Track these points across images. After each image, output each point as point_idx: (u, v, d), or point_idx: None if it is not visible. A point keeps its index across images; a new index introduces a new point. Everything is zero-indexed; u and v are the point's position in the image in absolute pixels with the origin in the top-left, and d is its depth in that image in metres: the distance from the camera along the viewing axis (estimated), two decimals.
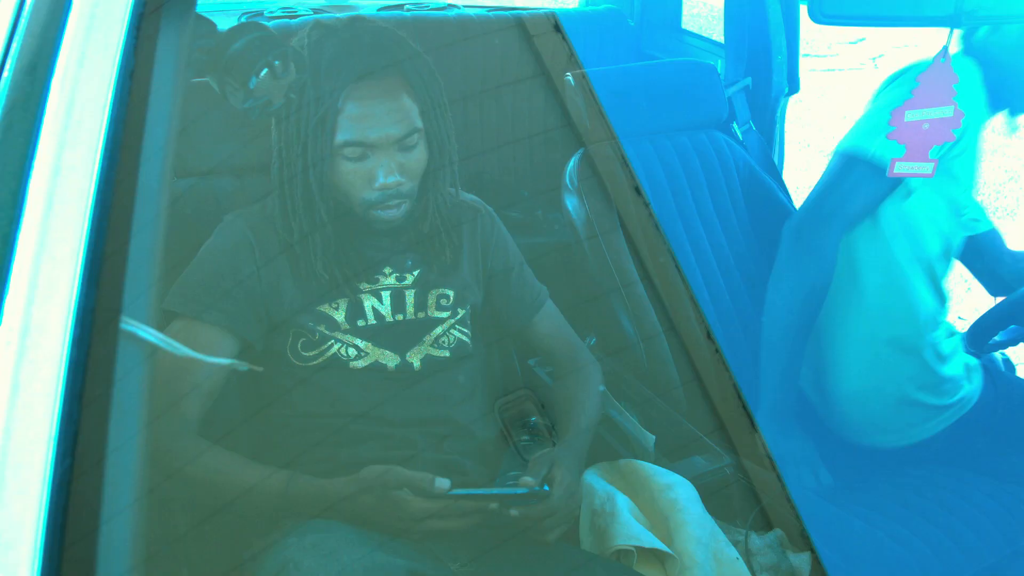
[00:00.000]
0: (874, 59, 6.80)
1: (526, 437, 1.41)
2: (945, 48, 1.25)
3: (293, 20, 2.20)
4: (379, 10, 2.48)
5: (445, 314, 1.39)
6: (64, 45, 0.60)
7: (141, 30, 0.61)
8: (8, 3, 0.63)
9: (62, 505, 0.49)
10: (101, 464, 0.52)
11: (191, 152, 1.57)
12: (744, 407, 1.64)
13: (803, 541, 1.34)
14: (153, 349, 0.61)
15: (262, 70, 1.02)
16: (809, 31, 1.76)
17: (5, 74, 0.60)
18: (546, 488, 1.21)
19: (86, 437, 0.51)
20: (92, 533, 0.50)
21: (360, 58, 1.26)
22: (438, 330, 1.38)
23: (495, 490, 1.22)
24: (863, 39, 6.88)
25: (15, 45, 0.61)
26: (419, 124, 1.29)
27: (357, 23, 1.31)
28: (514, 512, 1.18)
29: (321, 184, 1.29)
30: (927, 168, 1.33)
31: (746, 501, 1.46)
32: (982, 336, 1.57)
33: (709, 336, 1.67)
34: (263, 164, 1.36)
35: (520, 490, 1.20)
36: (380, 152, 1.27)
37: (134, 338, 0.58)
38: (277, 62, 1.04)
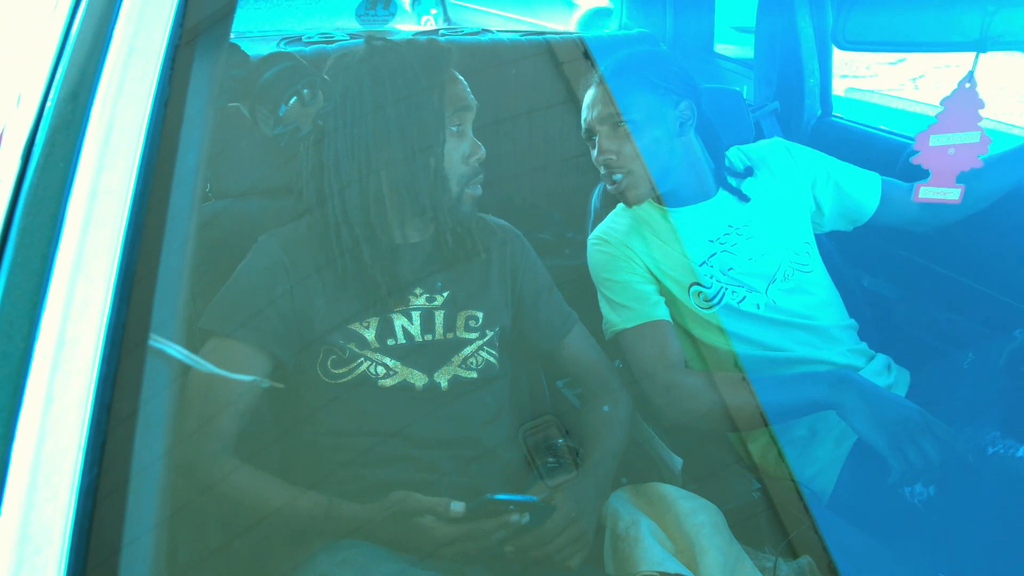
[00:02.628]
0: (914, 80, 6.73)
1: (551, 460, 1.41)
2: (970, 74, 1.24)
3: (330, 45, 2.24)
4: (415, 35, 2.53)
5: (474, 335, 1.41)
6: (104, 74, 0.63)
7: (176, 60, 0.64)
8: (53, 33, 0.67)
9: (89, 511, 0.52)
10: (127, 473, 0.54)
11: (227, 173, 1.62)
12: (771, 433, 1.63)
13: (830, 569, 1.32)
14: (179, 365, 0.63)
15: (291, 98, 1.06)
16: (848, 52, 1.77)
17: (49, 102, 0.64)
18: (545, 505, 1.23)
19: (113, 447, 0.54)
20: (116, 540, 0.53)
21: (448, 55, 1.40)
22: (466, 351, 1.40)
23: (504, 495, 1.22)
24: (903, 59, 6.82)
25: (59, 73, 0.65)
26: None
27: (416, 40, 1.44)
28: (509, 548, 1.20)
29: (356, 202, 1.33)
30: (954, 194, 1.32)
31: (773, 527, 1.45)
32: (1018, 361, 1.54)
33: (736, 363, 1.67)
34: (267, 172, 1.40)
35: (528, 497, 1.22)
36: (468, 126, 1.40)
37: (161, 355, 0.60)
38: (306, 90, 1.08)
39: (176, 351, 0.61)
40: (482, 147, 1.40)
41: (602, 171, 1.67)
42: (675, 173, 1.68)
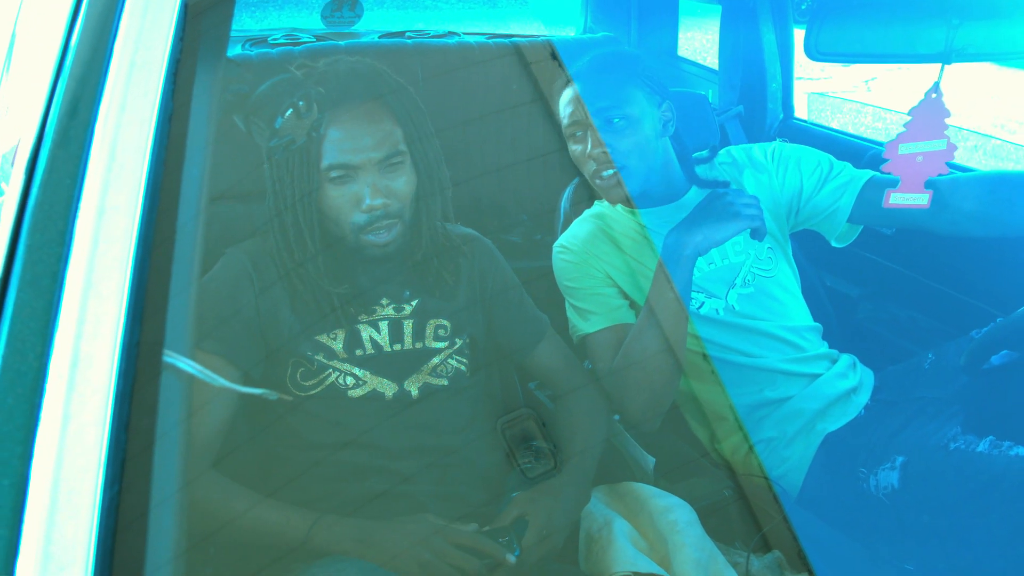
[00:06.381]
0: (867, 81, 6.90)
1: (530, 458, 1.43)
2: (936, 84, 1.28)
3: (296, 47, 2.23)
4: (380, 37, 2.52)
5: (443, 344, 1.41)
6: (107, 90, 0.63)
7: (178, 76, 0.64)
8: (52, 47, 0.66)
9: (111, 528, 0.52)
10: (147, 489, 0.54)
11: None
12: (742, 429, 1.66)
13: (801, 562, 1.36)
14: (192, 380, 0.63)
15: (287, 110, 1.05)
16: (801, 52, 1.79)
17: (49, 118, 0.63)
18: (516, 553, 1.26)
19: (133, 463, 0.54)
20: (140, 556, 0.53)
21: (339, 86, 1.28)
22: (435, 360, 1.40)
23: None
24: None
25: (59, 88, 0.64)
26: (403, 147, 1.32)
27: (339, 60, 1.35)
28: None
29: (312, 215, 1.31)
30: (922, 199, 1.37)
31: (745, 523, 1.48)
32: (977, 359, 1.59)
33: (705, 357, 1.70)
34: (265, 189, 1.38)
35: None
36: (364, 174, 1.29)
37: (175, 370, 0.60)
38: (302, 102, 1.07)
39: (190, 366, 0.61)
40: (393, 200, 1.31)
41: (591, 166, 1.66)
42: (655, 173, 1.69)
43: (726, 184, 1.74)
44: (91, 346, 0.57)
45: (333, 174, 1.28)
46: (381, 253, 1.34)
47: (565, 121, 1.68)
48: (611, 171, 1.63)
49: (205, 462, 1.24)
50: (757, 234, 1.56)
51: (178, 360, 0.61)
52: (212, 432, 1.25)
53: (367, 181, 1.29)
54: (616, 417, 1.67)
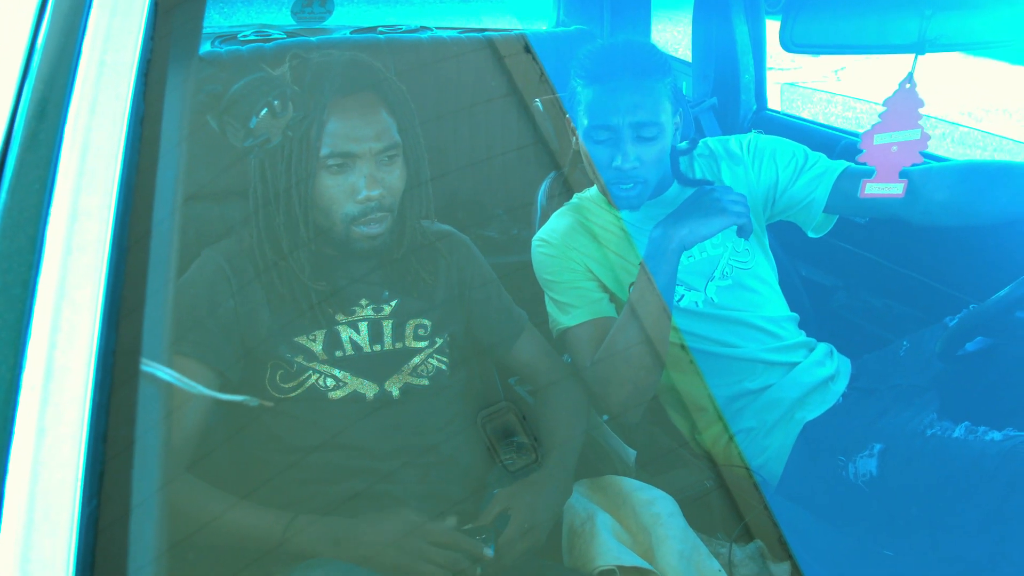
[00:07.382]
0: (836, 71, 6.98)
1: (511, 453, 1.42)
2: (910, 75, 1.30)
3: (267, 43, 2.20)
4: (352, 32, 2.50)
5: (423, 344, 1.40)
6: (76, 92, 0.61)
7: (150, 76, 0.62)
8: (18, 46, 0.64)
9: (90, 544, 0.50)
10: (127, 503, 0.53)
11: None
12: (722, 420, 1.68)
13: (783, 551, 1.37)
14: (171, 389, 0.62)
15: (262, 110, 1.04)
16: (773, 42, 1.78)
17: (16, 120, 0.61)
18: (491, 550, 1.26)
19: (111, 477, 0.52)
20: (120, 571, 0.51)
21: (338, 76, 1.29)
22: (416, 360, 1.39)
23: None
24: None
25: (26, 89, 0.62)
26: (398, 139, 1.32)
27: (333, 53, 1.35)
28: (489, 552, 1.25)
29: (300, 209, 1.30)
30: (897, 189, 1.39)
31: (726, 513, 1.49)
32: (952, 346, 1.62)
33: (684, 348, 1.71)
34: (244, 190, 1.37)
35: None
36: (362, 163, 1.29)
37: (153, 379, 0.59)
38: (276, 101, 1.06)
39: (167, 374, 0.60)
40: (381, 187, 1.30)
41: (611, 176, 1.58)
42: (661, 177, 1.65)
43: (709, 183, 1.73)
44: (66, 356, 0.55)
45: (331, 162, 1.28)
46: (369, 246, 1.33)
47: (587, 121, 1.57)
48: (635, 184, 1.58)
49: (181, 467, 1.22)
50: (743, 231, 1.55)
51: (155, 368, 0.59)
52: (188, 436, 1.23)
53: (363, 172, 1.29)
54: (604, 418, 1.67)
